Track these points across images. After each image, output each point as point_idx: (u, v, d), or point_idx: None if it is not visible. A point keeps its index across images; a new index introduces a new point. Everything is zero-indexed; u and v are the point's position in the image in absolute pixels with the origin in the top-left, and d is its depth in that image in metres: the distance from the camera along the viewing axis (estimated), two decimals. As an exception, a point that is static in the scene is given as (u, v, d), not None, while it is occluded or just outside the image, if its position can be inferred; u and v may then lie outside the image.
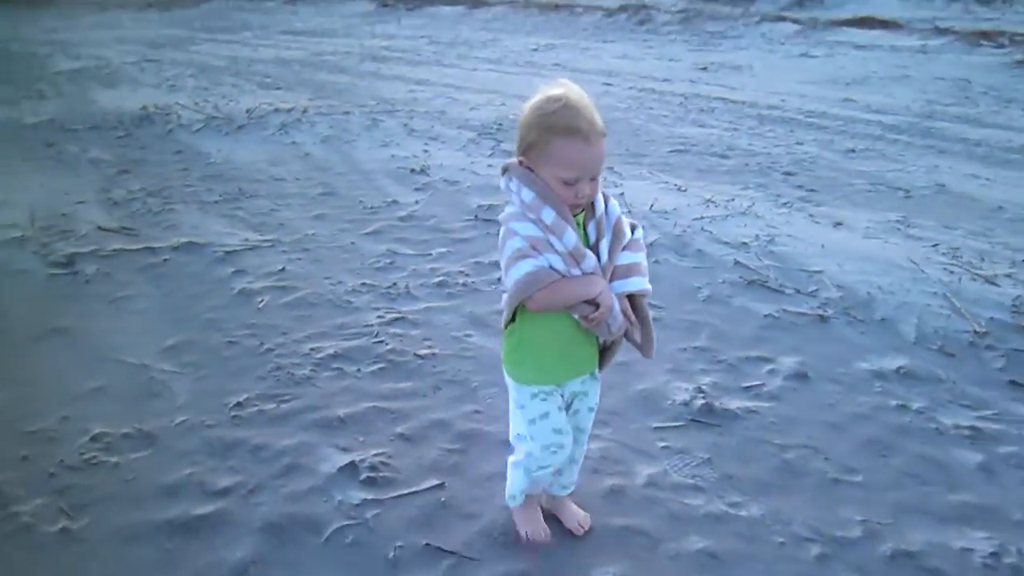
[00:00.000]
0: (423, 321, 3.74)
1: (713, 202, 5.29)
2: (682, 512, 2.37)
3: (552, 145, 1.75)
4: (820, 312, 3.71)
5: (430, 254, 4.61)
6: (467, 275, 4.28)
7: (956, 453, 2.68)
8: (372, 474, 2.57)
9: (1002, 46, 12.33)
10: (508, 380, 2.07)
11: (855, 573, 2.15)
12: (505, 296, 1.88)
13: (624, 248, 1.93)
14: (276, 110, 9.09)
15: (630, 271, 1.93)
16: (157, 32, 23.73)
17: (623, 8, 19.13)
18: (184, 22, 28.05)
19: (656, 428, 2.81)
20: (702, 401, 2.92)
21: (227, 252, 4.70)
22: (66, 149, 7.62)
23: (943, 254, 4.37)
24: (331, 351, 3.43)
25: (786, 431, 2.79)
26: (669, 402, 2.96)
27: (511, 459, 2.20)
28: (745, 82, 11.01)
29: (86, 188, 6.19)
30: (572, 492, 2.31)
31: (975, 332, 3.42)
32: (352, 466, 2.61)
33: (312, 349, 3.45)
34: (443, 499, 2.47)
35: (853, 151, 6.98)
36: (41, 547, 2.28)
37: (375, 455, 2.67)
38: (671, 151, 6.98)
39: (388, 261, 4.51)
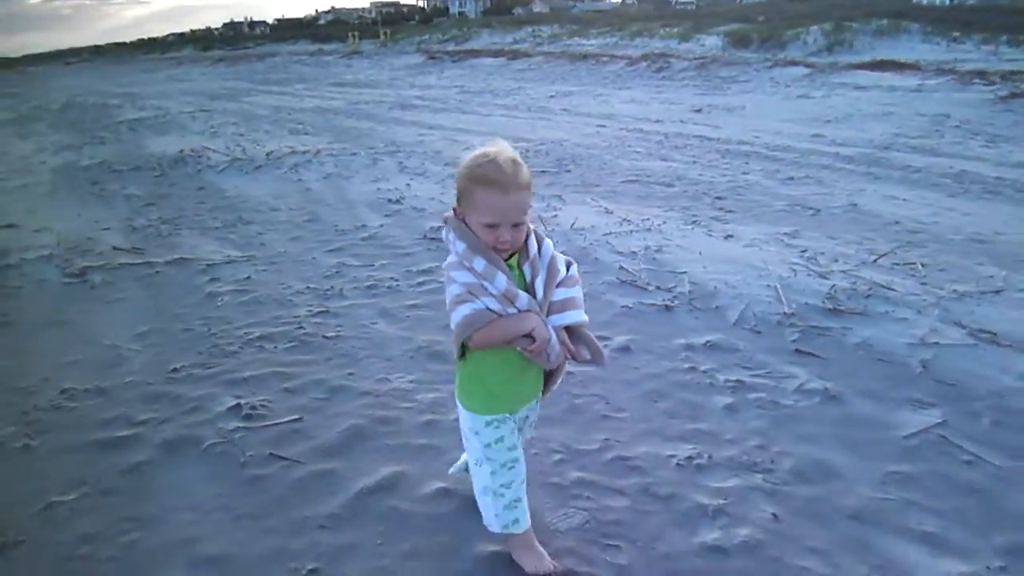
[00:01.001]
0: (343, 313, 4.60)
1: (629, 221, 6.06)
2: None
3: (476, 194, 1.96)
4: (667, 303, 4.46)
5: (372, 265, 5.49)
6: (396, 280, 5.14)
7: (714, 398, 3.40)
8: (251, 412, 3.43)
9: (992, 83, 12.78)
10: (461, 409, 2.24)
11: (579, 471, 2.90)
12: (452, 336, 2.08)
13: (560, 284, 2.11)
14: (293, 152, 10.19)
15: (566, 305, 2.11)
16: (220, 85, 25.52)
17: (645, 57, 20.08)
18: (247, 75, 29.96)
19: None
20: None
21: (209, 265, 5.66)
22: (108, 186, 8.81)
23: (801, 258, 5.04)
24: (258, 334, 4.32)
25: (587, 385, 3.55)
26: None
27: (476, 488, 2.30)
28: (731, 122, 11.73)
29: (114, 217, 7.28)
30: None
31: (784, 314, 4.13)
32: (238, 407, 3.47)
33: (245, 333, 4.35)
34: (297, 428, 3.31)
35: (792, 178, 7.65)
36: (6, 456, 3.20)
37: (259, 401, 3.53)
38: (623, 181, 7.77)
39: (336, 271, 5.40)
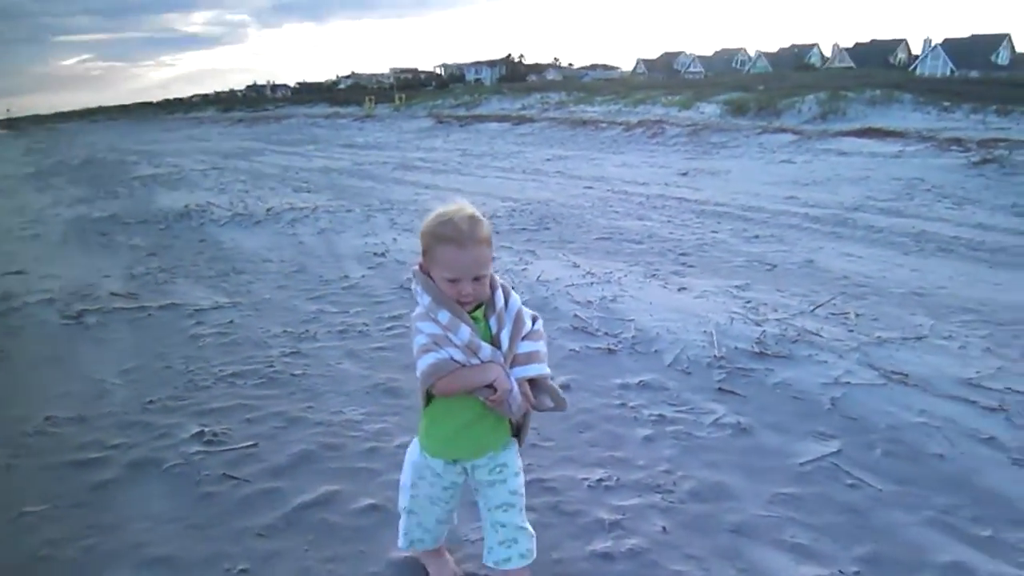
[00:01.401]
0: (312, 354, 4.96)
1: (592, 274, 6.43)
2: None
3: (436, 250, 2.06)
4: (611, 347, 4.79)
5: (348, 312, 5.85)
6: (367, 325, 5.51)
7: (635, 430, 3.71)
8: (212, 438, 3.76)
9: (968, 150, 13.19)
10: (415, 443, 2.38)
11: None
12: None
13: (525, 338, 2.18)
14: (292, 208, 10.68)
15: (530, 358, 2.18)
16: (235, 144, 26.34)
17: (641, 123, 20.73)
18: (262, 136, 30.87)
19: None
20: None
21: (197, 310, 6.04)
22: (115, 237, 9.28)
23: (743, 307, 5.37)
24: (231, 371, 4.67)
25: (521, 421, 3.87)
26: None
27: (399, 504, 2.49)
28: (713, 185, 12.16)
29: (116, 266, 7.71)
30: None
31: (715, 356, 4.46)
32: (201, 434, 3.80)
33: (220, 370, 4.70)
34: (251, 452, 3.64)
35: (757, 237, 8.02)
36: None
37: (222, 429, 3.87)
38: (597, 238, 8.16)
39: (313, 317, 5.77)
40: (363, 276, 6.89)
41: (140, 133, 43.40)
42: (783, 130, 18.18)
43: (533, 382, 2.20)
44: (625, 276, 6.36)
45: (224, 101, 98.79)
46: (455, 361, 2.08)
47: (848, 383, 4.06)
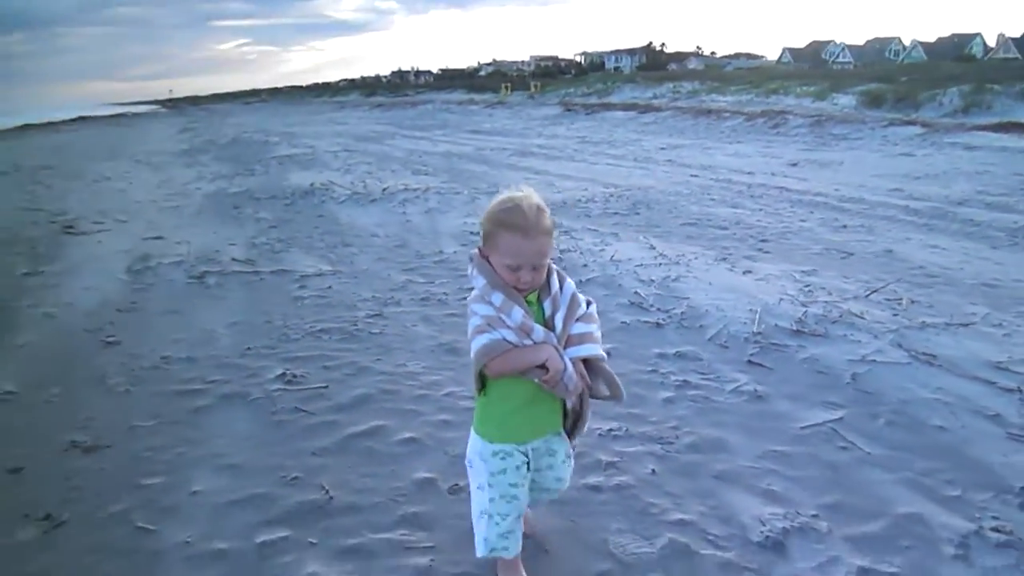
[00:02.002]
0: (392, 317, 5.54)
1: (665, 256, 6.73)
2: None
3: (500, 237, 2.09)
4: (659, 321, 5.13)
5: (433, 282, 6.42)
6: (446, 295, 6.05)
7: (658, 393, 4.06)
8: (291, 379, 4.39)
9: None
10: (472, 435, 2.37)
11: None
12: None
13: (578, 320, 2.22)
14: (407, 189, 11.40)
15: (583, 339, 2.21)
16: (370, 128, 27.66)
17: (764, 113, 20.44)
18: (397, 121, 32.20)
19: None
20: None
21: (302, 276, 6.76)
22: (244, 211, 10.25)
23: (798, 290, 5.54)
24: (320, 328, 5.31)
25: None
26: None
27: (474, 512, 2.41)
28: (821, 175, 12.04)
29: (241, 235, 8.60)
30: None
31: (753, 332, 4.74)
32: (283, 375, 4.44)
33: (310, 327, 5.35)
34: (322, 392, 4.24)
35: (845, 227, 8.05)
36: (111, 396, 4.29)
37: (301, 373, 4.49)
38: (683, 224, 8.40)
39: (402, 285, 6.37)
40: (455, 252, 7.43)
41: (286, 115, 46.02)
42: (911, 123, 17.54)
43: (588, 367, 2.24)
44: (696, 259, 6.62)
45: (368, 86, 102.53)
46: (508, 342, 2.12)
47: (874, 361, 4.26)
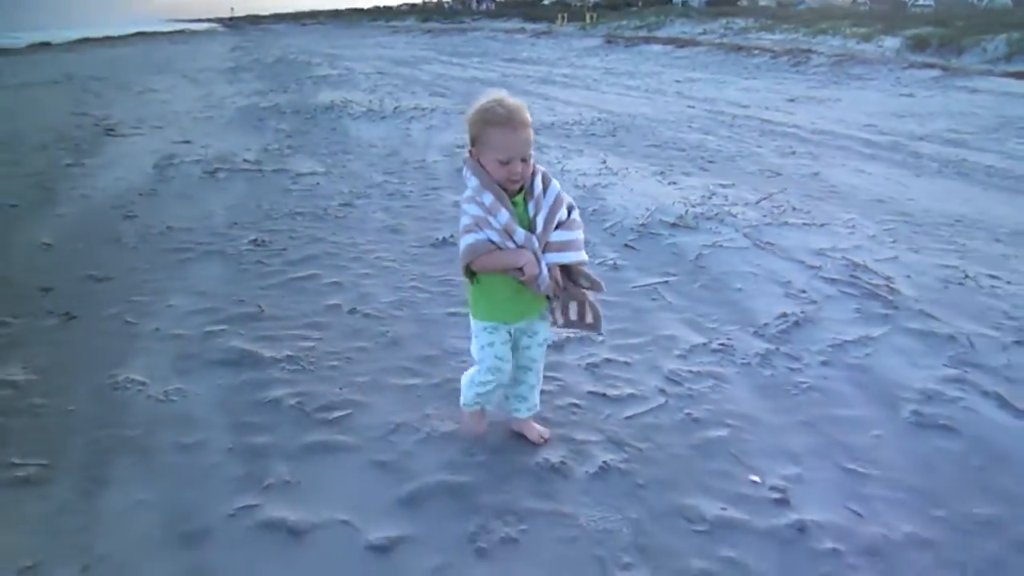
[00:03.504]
0: (358, 206, 6.65)
1: (609, 168, 7.71)
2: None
3: (488, 134, 2.27)
4: (571, 216, 6.22)
5: (405, 182, 7.51)
6: (412, 192, 7.13)
7: (540, 265, 5.19)
8: (260, 244, 5.59)
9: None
10: (471, 318, 2.64)
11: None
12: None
13: (562, 227, 2.41)
14: (417, 108, 12.45)
15: (565, 246, 2.41)
16: (411, 53, 28.51)
17: (789, 51, 20.82)
18: (440, 47, 32.93)
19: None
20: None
21: (297, 174, 7.91)
22: (268, 123, 11.42)
23: (701, 197, 6.51)
24: (297, 211, 6.47)
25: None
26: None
27: (464, 374, 2.88)
28: (809, 110, 12.74)
29: (257, 142, 9.78)
30: (535, 414, 2.92)
31: (639, 225, 5.79)
32: (255, 240, 5.63)
33: (289, 211, 6.50)
34: (280, 252, 5.43)
35: (794, 153, 8.89)
36: (124, 250, 5.54)
37: (269, 239, 5.67)
38: (648, 145, 9.33)
39: (378, 184, 7.48)
40: (435, 161, 8.52)
41: (336, 38, 46.95)
42: (931, 66, 17.84)
43: (569, 267, 2.48)
44: (635, 172, 7.61)
45: (424, 11, 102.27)
46: (491, 243, 2.35)
47: (720, 245, 5.28)
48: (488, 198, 2.35)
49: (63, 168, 8.22)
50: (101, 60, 27.33)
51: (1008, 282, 4.64)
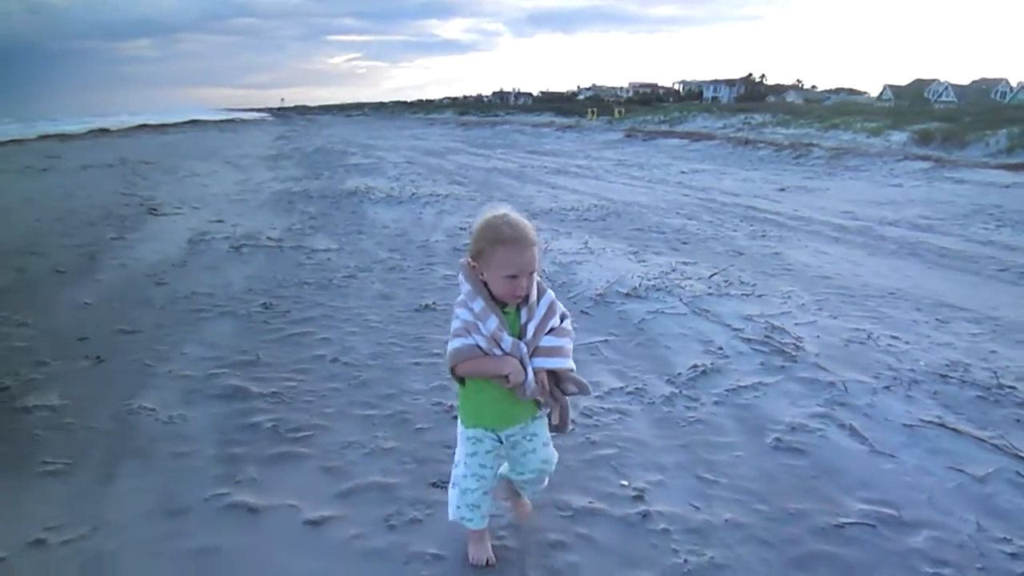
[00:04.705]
0: (361, 277, 7.52)
1: (589, 248, 8.55)
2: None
3: (496, 251, 2.29)
4: (543, 288, 7.06)
5: (406, 259, 8.41)
6: (409, 266, 8.00)
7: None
8: (268, 306, 6.49)
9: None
10: (459, 423, 2.63)
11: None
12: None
13: (552, 332, 2.44)
14: (433, 195, 13.51)
15: (553, 352, 2.43)
16: (442, 144, 30.04)
17: (792, 145, 21.86)
18: (470, 139, 34.55)
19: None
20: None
21: (313, 251, 8.88)
22: (296, 206, 12.51)
23: (660, 272, 7.29)
24: (305, 281, 7.36)
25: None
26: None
27: (451, 483, 2.72)
28: (795, 199, 13.55)
29: (283, 223, 10.81)
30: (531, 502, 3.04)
31: (596, 295, 6.58)
32: (265, 304, 6.53)
33: (298, 280, 7.38)
34: (285, 314, 6.33)
35: (764, 235, 9.68)
36: (151, 305, 6.49)
37: (276, 303, 6.57)
38: (632, 229, 10.17)
39: (382, 260, 8.37)
40: (437, 241, 9.44)
41: (376, 129, 49.19)
42: (925, 158, 18.67)
43: (556, 373, 2.48)
44: (610, 251, 8.44)
45: (466, 104, 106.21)
46: (479, 348, 2.36)
47: (662, 312, 6.04)
48: (478, 304, 2.36)
49: (107, 241, 9.28)
50: (153, 146, 29.26)
51: (906, 342, 5.32)
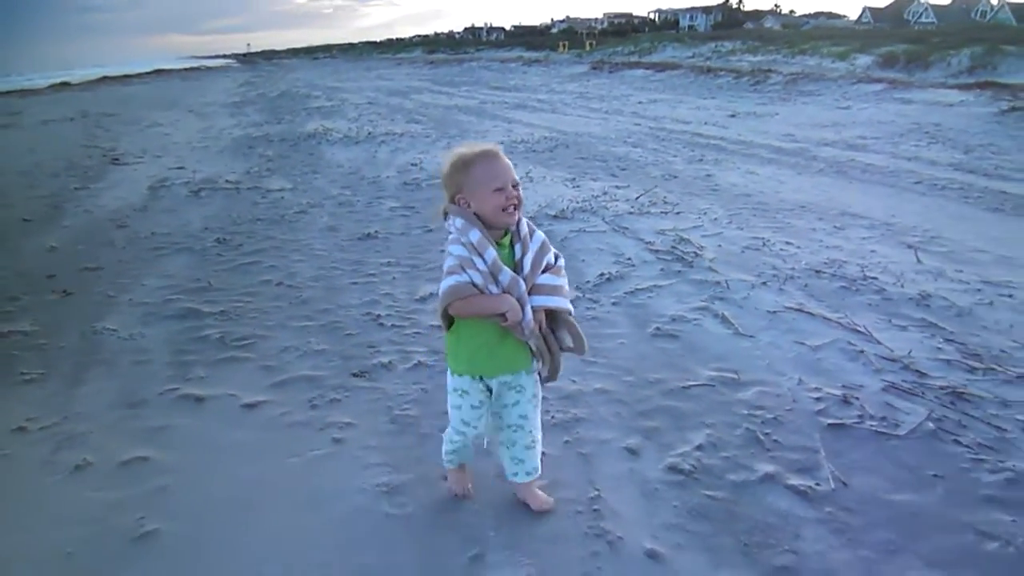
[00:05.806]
0: (310, 212, 8.04)
1: (529, 177, 9.05)
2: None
3: (474, 172, 2.25)
4: (480, 214, 7.62)
5: (356, 195, 8.91)
6: (358, 201, 8.53)
7: (435, 248, 6.57)
8: (223, 241, 7.02)
9: (1011, 99, 14.05)
10: (448, 373, 2.52)
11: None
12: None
13: (548, 271, 2.36)
14: (389, 134, 13.92)
15: (552, 291, 2.35)
16: (406, 84, 30.13)
17: (752, 72, 22.26)
18: (435, 77, 34.59)
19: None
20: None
21: (268, 191, 9.33)
22: (256, 150, 12.90)
23: (592, 195, 7.85)
24: (258, 218, 7.85)
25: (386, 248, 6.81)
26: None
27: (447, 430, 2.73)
28: (742, 124, 14.10)
29: (241, 167, 11.22)
30: (537, 478, 2.70)
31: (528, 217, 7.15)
32: (219, 239, 7.06)
33: (252, 217, 7.90)
34: (238, 246, 6.86)
35: (701, 160, 10.22)
36: (115, 247, 7.00)
37: (230, 238, 7.10)
38: (577, 158, 10.68)
39: (332, 196, 8.87)
40: (388, 176, 9.93)
41: (342, 71, 48.89)
42: (878, 80, 19.16)
43: (553, 316, 2.39)
44: (550, 179, 8.98)
45: (433, 43, 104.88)
46: (474, 285, 2.25)
47: (583, 230, 6.62)
48: (475, 235, 2.27)
49: (71, 191, 9.70)
50: (116, 98, 29.21)
51: (797, 247, 5.94)
